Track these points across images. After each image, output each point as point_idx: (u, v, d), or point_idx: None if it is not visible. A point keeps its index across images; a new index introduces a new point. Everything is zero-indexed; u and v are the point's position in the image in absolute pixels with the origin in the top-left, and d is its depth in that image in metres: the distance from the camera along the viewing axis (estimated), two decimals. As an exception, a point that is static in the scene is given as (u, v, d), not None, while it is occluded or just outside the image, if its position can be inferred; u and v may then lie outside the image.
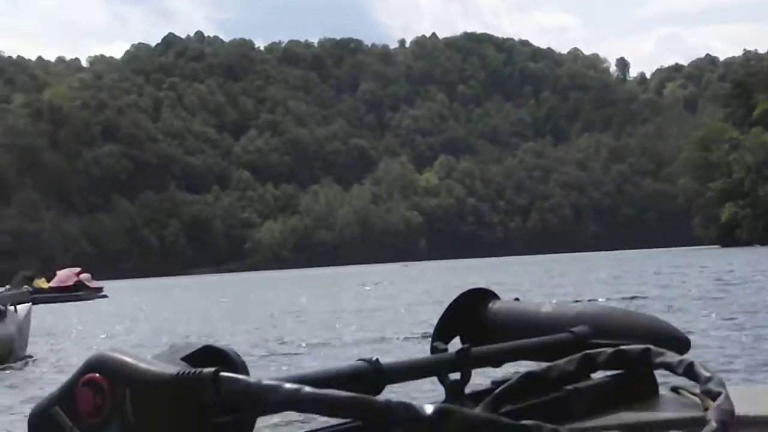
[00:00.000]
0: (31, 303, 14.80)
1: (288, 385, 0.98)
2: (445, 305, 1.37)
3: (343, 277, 53.25)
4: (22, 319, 13.85)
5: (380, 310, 20.09)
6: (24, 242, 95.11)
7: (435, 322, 1.39)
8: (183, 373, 1.03)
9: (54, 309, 26.52)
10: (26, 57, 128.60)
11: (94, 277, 42.72)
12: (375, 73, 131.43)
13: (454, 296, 1.40)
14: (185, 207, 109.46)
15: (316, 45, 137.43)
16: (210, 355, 1.09)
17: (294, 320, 18.99)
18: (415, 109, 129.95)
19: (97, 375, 1.02)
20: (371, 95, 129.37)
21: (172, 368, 1.04)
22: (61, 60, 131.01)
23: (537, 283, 28.50)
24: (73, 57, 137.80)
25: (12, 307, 13.84)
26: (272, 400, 0.99)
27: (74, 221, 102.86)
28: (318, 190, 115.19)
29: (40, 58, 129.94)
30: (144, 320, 22.81)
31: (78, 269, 42.66)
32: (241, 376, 1.02)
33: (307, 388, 0.97)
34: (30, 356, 13.87)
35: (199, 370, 1.03)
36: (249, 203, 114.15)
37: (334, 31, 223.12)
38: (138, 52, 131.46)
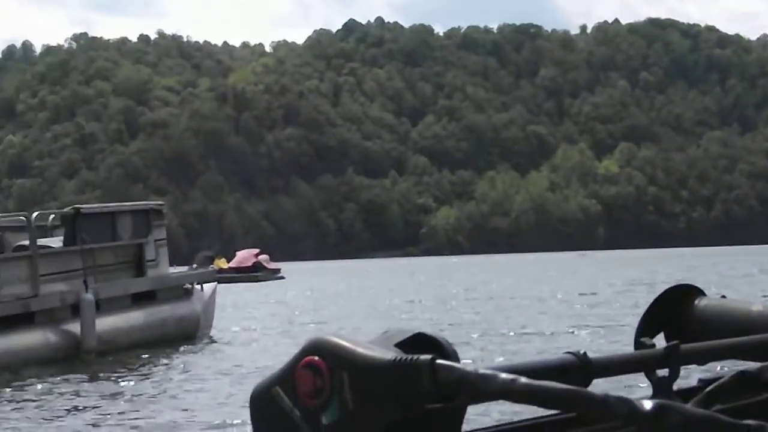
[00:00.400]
0: (216, 282, 15.00)
1: (504, 375, 0.97)
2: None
3: (521, 264, 52.59)
4: (208, 297, 14.04)
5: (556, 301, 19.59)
6: (208, 223, 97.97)
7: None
8: (400, 359, 1.04)
9: (232, 289, 27.00)
10: (212, 42, 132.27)
11: (273, 259, 43.42)
12: (555, 59, 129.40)
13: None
14: (362, 191, 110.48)
15: (495, 31, 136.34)
16: (422, 342, 1.09)
17: (489, 306, 18.66)
18: (595, 95, 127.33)
19: (317, 358, 1.04)
20: (550, 81, 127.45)
21: (389, 354, 1.05)
22: (245, 45, 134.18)
23: (723, 275, 27.33)
24: (257, 42, 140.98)
25: (198, 286, 14.04)
26: (488, 389, 0.98)
27: (255, 203, 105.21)
28: (494, 177, 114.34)
29: (225, 44, 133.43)
30: (321, 302, 22.90)
31: (257, 250, 43.38)
32: (457, 365, 1.02)
33: (523, 379, 0.96)
34: (214, 334, 14.03)
35: (416, 356, 1.03)
36: (425, 189, 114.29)
37: (513, 16, 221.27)
38: (320, 38, 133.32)
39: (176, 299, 13.47)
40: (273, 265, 41.63)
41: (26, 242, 11.73)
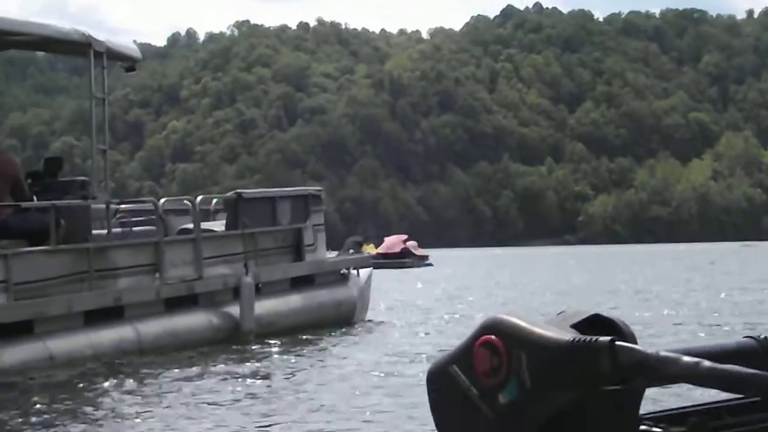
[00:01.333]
0: (371, 268, 15.00)
1: (687, 359, 0.95)
2: None
3: (684, 254, 51.21)
4: (364, 282, 14.05)
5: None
6: (363, 209, 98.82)
7: None
8: (579, 340, 1.03)
9: (380, 275, 27.05)
10: (370, 30, 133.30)
11: (428, 246, 43.35)
12: (719, 44, 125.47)
13: None
14: (518, 178, 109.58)
15: (657, 16, 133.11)
16: (599, 324, 1.08)
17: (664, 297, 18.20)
18: (761, 82, 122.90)
19: (494, 337, 1.04)
20: (714, 67, 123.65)
21: (567, 335, 1.04)
22: (402, 32, 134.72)
23: None
24: (414, 29, 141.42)
25: (354, 271, 14.06)
26: (670, 372, 0.96)
27: (411, 189, 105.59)
28: (654, 165, 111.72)
29: (383, 31, 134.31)
30: (474, 288, 22.73)
31: (405, 236, 43.28)
32: (637, 347, 1.00)
33: (707, 363, 0.95)
34: (370, 319, 14.03)
35: (595, 338, 1.03)
36: (583, 176, 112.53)
37: (676, 1, 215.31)
38: (477, 24, 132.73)
39: (333, 284, 13.50)
40: (421, 252, 41.49)
41: (189, 225, 11.92)
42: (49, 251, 9.58)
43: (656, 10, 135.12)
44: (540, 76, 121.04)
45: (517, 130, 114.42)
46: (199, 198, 11.80)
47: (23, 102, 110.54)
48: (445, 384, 1.09)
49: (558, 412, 1.04)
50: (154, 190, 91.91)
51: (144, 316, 10.32)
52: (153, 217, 11.29)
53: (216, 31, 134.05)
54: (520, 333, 1.03)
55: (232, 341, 11.04)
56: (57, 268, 9.55)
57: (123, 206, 11.90)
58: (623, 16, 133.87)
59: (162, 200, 11.20)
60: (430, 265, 39.92)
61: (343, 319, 13.26)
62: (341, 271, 13.82)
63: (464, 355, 1.07)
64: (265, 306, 11.69)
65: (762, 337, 1.17)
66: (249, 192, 12.95)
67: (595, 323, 1.09)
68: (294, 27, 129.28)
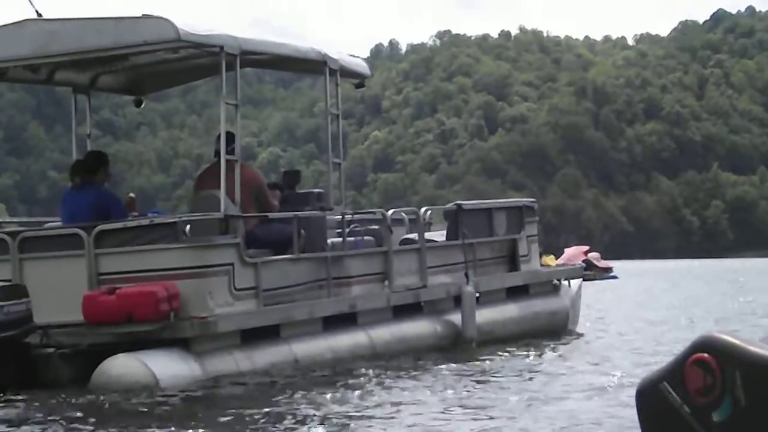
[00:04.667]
0: (582, 279, 15.04)
1: None
2: None
3: None
4: (575, 293, 14.13)
5: None
6: (565, 218, 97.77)
7: None
8: None
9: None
10: (573, 37, 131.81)
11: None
12: None
13: None
14: (729, 188, 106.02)
15: None
16: None
17: None
18: None
19: (707, 355, 1.01)
20: None
21: None
22: (607, 39, 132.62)
23: None
24: (620, 36, 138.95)
25: (566, 282, 14.15)
26: None
27: (614, 199, 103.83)
28: None
29: (586, 38, 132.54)
30: (667, 300, 22.28)
31: (586, 248, 42.29)
32: None
33: None
34: (580, 329, 14.02)
35: None
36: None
37: None
38: (685, 29, 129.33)
39: (547, 294, 13.64)
40: (604, 264, 40.44)
41: (409, 236, 12.27)
42: (293, 260, 10.06)
43: None
44: (752, 81, 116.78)
45: (727, 138, 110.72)
46: (423, 210, 12.10)
47: (231, 114, 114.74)
48: (655, 401, 1.03)
49: None
50: (356, 199, 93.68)
51: (375, 322, 10.70)
52: (372, 227, 11.65)
53: (418, 41, 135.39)
54: (735, 351, 1.01)
55: (455, 348, 11.24)
56: (300, 275, 10.05)
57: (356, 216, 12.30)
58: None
59: (390, 212, 11.52)
60: (614, 277, 38.84)
61: (557, 329, 13.34)
62: (554, 282, 13.92)
63: (676, 373, 1.01)
64: (484, 315, 11.88)
65: None
66: (468, 203, 13.17)
67: None
68: (495, 36, 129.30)
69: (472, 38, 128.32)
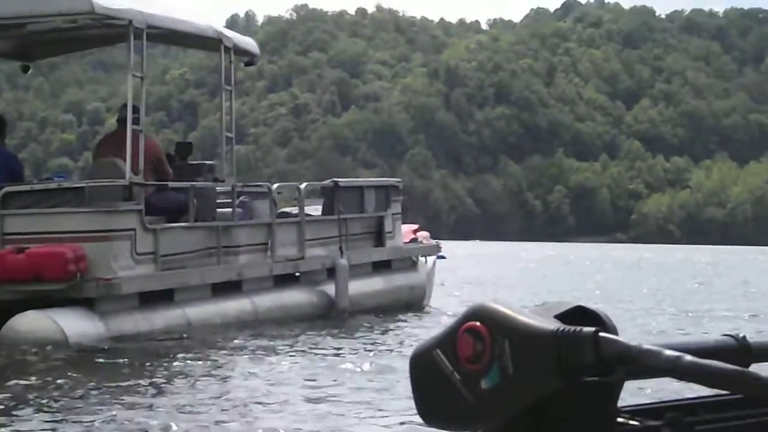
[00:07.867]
0: (436, 257, 15.96)
1: (668, 352, 0.95)
2: None
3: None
4: (430, 269, 15.01)
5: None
6: (414, 199, 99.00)
7: None
8: (562, 330, 1.03)
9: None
10: (429, 18, 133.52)
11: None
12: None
13: None
14: (572, 174, 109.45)
15: (721, 15, 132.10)
16: (582, 316, 1.09)
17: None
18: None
19: (479, 324, 1.05)
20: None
21: (551, 324, 1.04)
22: (461, 22, 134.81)
23: None
24: (474, 20, 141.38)
25: (422, 258, 15.04)
26: (652, 365, 0.97)
27: (462, 180, 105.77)
28: (711, 166, 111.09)
29: (442, 20, 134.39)
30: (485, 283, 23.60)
31: (416, 226, 43.05)
32: (620, 338, 1.00)
33: (689, 357, 0.95)
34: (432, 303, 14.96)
35: (579, 328, 1.03)
36: (637, 174, 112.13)
37: (741, 0, 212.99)
38: (537, 16, 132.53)
39: (407, 269, 14.45)
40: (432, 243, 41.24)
41: (288, 209, 12.92)
42: (188, 228, 10.59)
43: (720, 9, 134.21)
44: (598, 71, 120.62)
45: (572, 125, 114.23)
46: (303, 185, 12.74)
47: (81, 78, 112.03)
48: (427, 367, 1.08)
49: (538, 400, 1.05)
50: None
51: (258, 290, 11.29)
52: (244, 199, 12.23)
53: (275, 14, 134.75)
54: (505, 320, 1.01)
55: (328, 317, 11.93)
56: (194, 243, 10.55)
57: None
58: (686, 13, 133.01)
59: (275, 186, 12.12)
60: (442, 257, 39.49)
61: (415, 302, 14.20)
62: (413, 258, 14.80)
63: (448, 340, 1.05)
64: (354, 286, 12.55)
65: (741, 335, 1.19)
66: (343, 180, 13.85)
67: (577, 315, 1.09)
68: (352, 12, 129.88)
69: (329, 14, 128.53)
